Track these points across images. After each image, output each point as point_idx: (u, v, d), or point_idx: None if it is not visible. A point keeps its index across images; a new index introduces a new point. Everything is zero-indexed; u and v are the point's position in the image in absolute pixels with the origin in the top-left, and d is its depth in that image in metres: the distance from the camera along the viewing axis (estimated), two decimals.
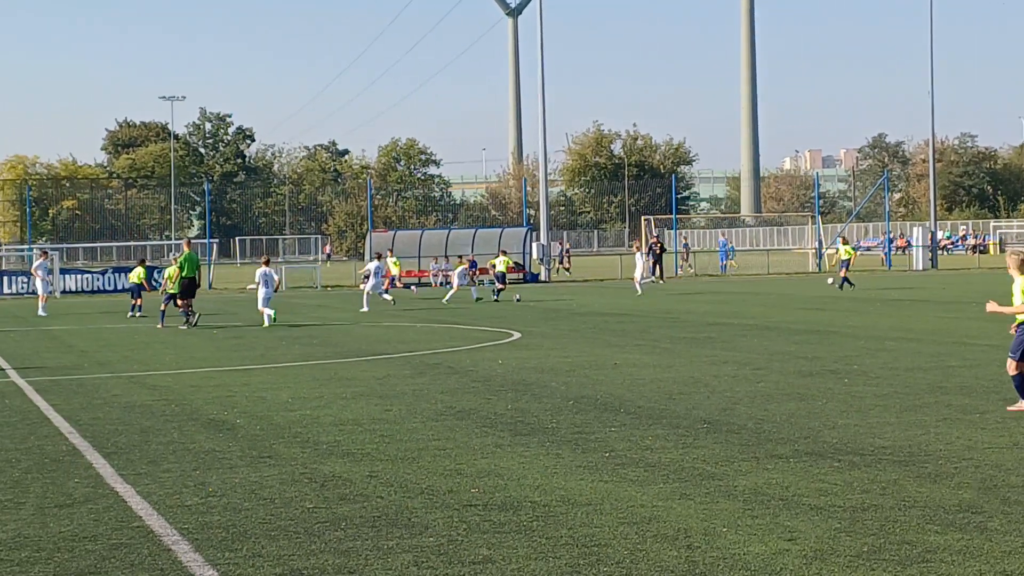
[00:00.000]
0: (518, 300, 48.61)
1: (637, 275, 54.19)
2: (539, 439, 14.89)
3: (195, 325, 36.03)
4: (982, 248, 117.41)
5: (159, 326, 36.39)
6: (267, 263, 38.29)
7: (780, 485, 11.81)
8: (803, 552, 9.36)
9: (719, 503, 11.12)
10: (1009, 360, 16.19)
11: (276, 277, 38.11)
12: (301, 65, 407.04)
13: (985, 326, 30.82)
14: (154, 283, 56.09)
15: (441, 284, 67.02)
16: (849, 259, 54.33)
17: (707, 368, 22.40)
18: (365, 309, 44.11)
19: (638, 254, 56.38)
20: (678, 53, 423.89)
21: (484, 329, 33.88)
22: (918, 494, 11.28)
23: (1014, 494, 11.17)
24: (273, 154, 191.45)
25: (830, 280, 57.81)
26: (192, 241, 41.78)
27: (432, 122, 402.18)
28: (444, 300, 48.95)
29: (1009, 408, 16.19)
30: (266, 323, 36.01)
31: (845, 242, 57.14)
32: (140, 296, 43.93)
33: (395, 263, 54.93)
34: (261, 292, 36.82)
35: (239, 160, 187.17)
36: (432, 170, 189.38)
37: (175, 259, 40.18)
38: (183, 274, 37.14)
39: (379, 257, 48.96)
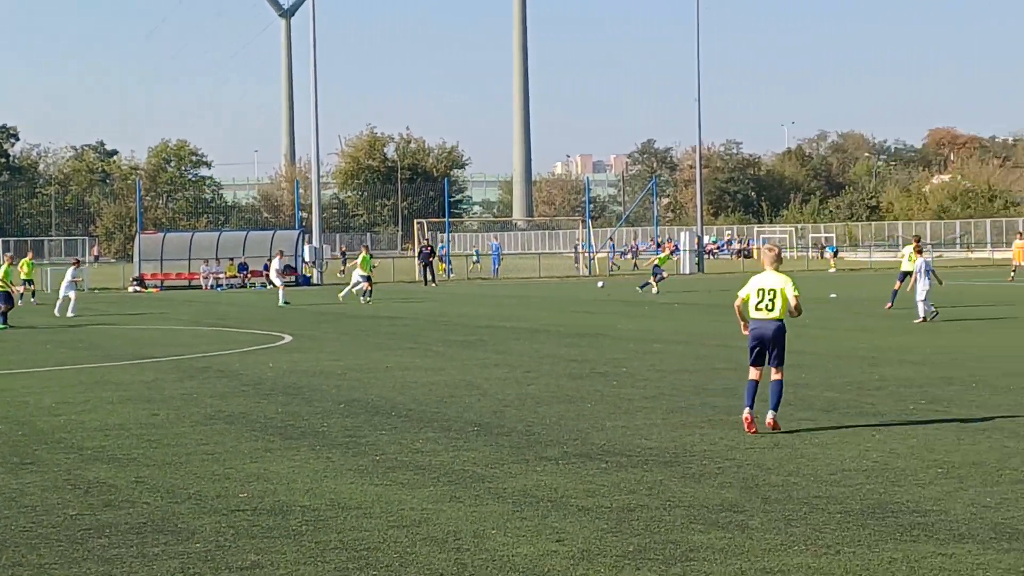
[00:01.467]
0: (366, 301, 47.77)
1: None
2: (309, 443, 14.79)
3: None
4: (747, 252, 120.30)
5: None
6: (77, 264, 43.63)
7: (549, 487, 11.92)
8: (570, 553, 9.47)
9: (488, 505, 11.18)
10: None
11: (81, 277, 41.93)
12: (69, 63, 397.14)
13: None
14: None
15: (212, 287, 66.13)
16: (660, 265, 55.21)
17: (478, 371, 22.51)
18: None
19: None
20: (452, 57, 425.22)
21: (255, 332, 33.52)
22: (683, 494, 11.50)
23: (774, 493, 11.47)
24: (39, 154, 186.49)
25: (599, 284, 58.70)
26: None
27: (204, 123, 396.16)
28: (281, 303, 48.06)
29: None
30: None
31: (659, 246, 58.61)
32: None
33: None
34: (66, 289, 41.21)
35: (2, 160, 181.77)
36: (203, 172, 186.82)
37: None
38: None
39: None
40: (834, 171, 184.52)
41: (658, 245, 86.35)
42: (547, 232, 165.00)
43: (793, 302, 15.12)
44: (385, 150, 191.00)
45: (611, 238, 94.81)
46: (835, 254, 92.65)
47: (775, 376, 15.21)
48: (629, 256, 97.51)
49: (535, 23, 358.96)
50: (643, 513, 10.74)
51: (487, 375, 21.82)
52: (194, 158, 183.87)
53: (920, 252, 34.79)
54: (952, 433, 14.68)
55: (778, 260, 15.55)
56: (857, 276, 72.96)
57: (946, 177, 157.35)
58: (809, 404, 17.34)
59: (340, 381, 21.21)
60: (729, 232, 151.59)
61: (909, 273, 37.02)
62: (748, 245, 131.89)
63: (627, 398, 18.35)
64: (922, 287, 32.79)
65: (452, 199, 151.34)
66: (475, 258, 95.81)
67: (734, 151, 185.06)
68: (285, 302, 47.19)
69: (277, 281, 50.47)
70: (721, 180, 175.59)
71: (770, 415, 15.07)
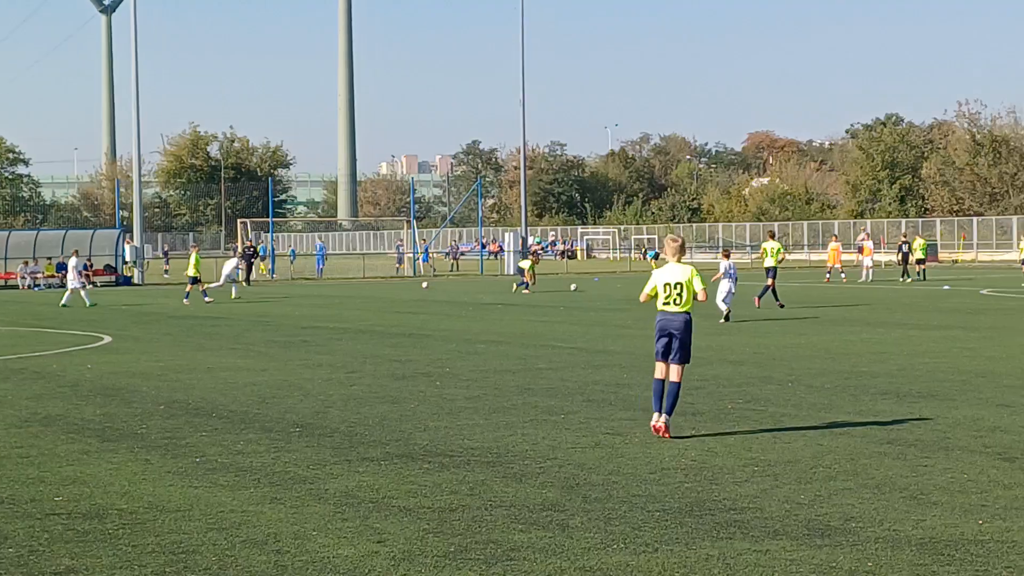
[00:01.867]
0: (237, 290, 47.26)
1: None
2: (128, 445, 14.56)
3: None
4: (571, 253, 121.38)
5: None
6: None
7: (371, 488, 11.89)
8: (392, 554, 9.46)
9: (310, 506, 11.12)
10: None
11: None
12: None
13: (572, 329, 31.90)
14: None
15: (30, 287, 64.69)
16: (525, 270, 55.37)
17: (301, 371, 22.37)
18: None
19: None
20: (276, 56, 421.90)
21: (73, 333, 32.89)
22: (504, 494, 11.56)
23: (594, 492, 11.58)
24: None
25: (424, 285, 58.71)
26: None
27: (21, 120, 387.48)
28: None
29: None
30: None
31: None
32: None
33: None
34: None
35: None
36: (21, 169, 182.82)
37: None
38: None
39: None
40: (657, 173, 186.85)
41: (525, 244, 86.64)
42: (372, 232, 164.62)
43: (701, 296, 14.96)
44: (208, 149, 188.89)
45: (421, 239, 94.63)
46: (656, 258, 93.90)
47: (674, 378, 14.74)
48: (450, 256, 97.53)
49: (360, 23, 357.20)
50: (465, 513, 10.77)
51: (310, 376, 21.69)
52: (11, 155, 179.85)
53: (728, 256, 35.56)
54: (768, 431, 14.97)
55: (681, 251, 15.14)
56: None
57: (765, 180, 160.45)
58: (630, 404, 17.52)
59: (160, 382, 20.91)
60: (553, 233, 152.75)
61: (772, 269, 38.13)
62: (572, 246, 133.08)
63: (450, 398, 18.38)
64: (725, 288, 33.60)
65: (276, 199, 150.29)
66: (291, 258, 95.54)
67: (558, 153, 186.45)
68: (91, 303, 46.13)
69: (73, 283, 48.79)
70: (545, 181, 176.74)
71: (662, 419, 14.61)
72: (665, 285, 14.88)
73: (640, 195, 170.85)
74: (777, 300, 38.17)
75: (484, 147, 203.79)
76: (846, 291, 52.70)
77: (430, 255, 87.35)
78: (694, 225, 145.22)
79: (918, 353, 24.46)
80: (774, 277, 38.98)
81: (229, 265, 53.69)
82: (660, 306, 14.93)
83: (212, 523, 10.52)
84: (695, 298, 14.90)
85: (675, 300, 14.79)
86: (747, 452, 13.59)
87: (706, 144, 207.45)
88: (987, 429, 14.97)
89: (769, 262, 39.38)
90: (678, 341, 14.75)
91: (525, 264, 56.32)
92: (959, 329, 30.56)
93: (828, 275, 62.32)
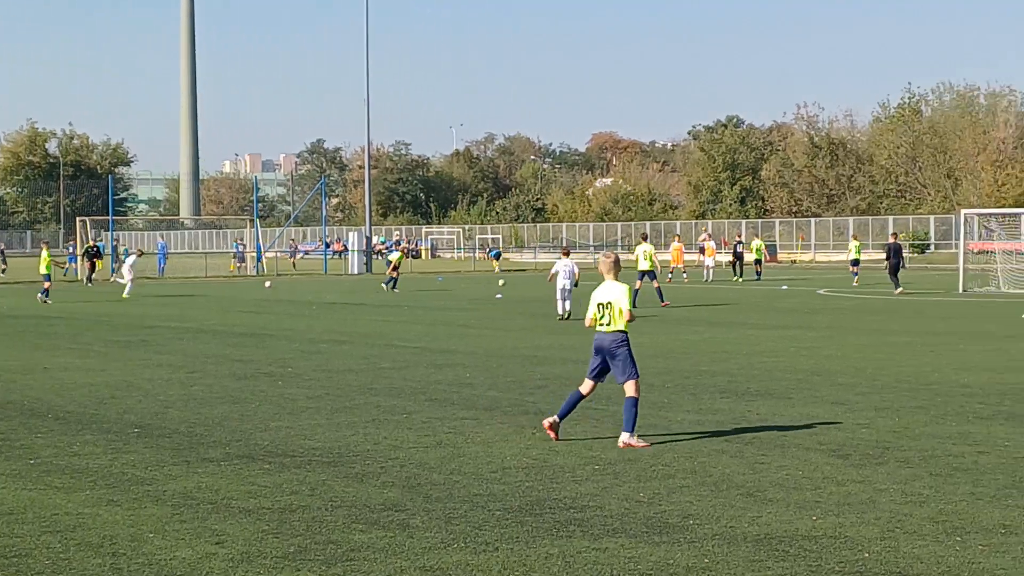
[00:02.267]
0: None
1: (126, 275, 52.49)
2: None
3: None
4: (415, 253, 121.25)
5: None
6: None
7: (210, 488, 11.77)
8: (230, 555, 9.36)
9: (147, 508, 10.96)
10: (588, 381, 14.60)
11: None
12: None
13: (415, 328, 31.88)
14: None
15: None
16: (396, 265, 55.28)
17: (141, 372, 22.05)
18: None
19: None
20: (116, 52, 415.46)
21: None
22: (345, 494, 11.51)
23: (436, 491, 11.58)
24: None
25: (267, 284, 58.32)
26: None
27: None
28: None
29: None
30: None
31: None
32: None
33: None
34: None
35: None
36: None
37: None
38: None
39: None
40: (501, 173, 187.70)
41: (396, 243, 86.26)
42: (215, 231, 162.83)
43: (626, 316, 14.19)
44: (47, 146, 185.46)
45: (243, 239, 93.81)
46: (497, 257, 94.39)
47: (628, 393, 14.07)
48: (290, 256, 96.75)
49: (204, 19, 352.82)
50: (305, 514, 10.70)
51: (149, 376, 21.39)
52: None
53: (568, 254, 35.99)
54: (610, 430, 15.09)
55: (616, 267, 14.61)
56: (522, 277, 74.26)
57: (608, 180, 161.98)
58: (472, 403, 17.57)
59: None
60: (398, 232, 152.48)
61: (648, 272, 38.75)
62: (417, 246, 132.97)
63: (292, 398, 18.26)
64: (562, 284, 34.09)
65: (117, 197, 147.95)
66: (123, 256, 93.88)
67: (403, 152, 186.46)
68: None
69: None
70: (390, 181, 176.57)
71: (623, 436, 13.98)
72: (598, 305, 14.39)
73: (485, 195, 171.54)
74: (634, 303, 38.87)
75: (329, 146, 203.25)
76: (688, 291, 53.40)
77: (263, 254, 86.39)
78: (538, 225, 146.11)
79: (757, 352, 24.86)
80: (652, 279, 39.73)
81: (129, 262, 52.73)
82: (597, 326, 14.40)
83: (46, 526, 10.32)
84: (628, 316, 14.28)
85: (607, 321, 14.26)
86: (588, 451, 13.69)
87: (550, 144, 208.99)
88: (822, 427, 15.26)
89: (644, 264, 40.26)
90: (612, 359, 14.24)
91: (395, 256, 56.55)
92: (797, 329, 31.12)
93: (670, 275, 63.10)
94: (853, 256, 60.90)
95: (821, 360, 23.30)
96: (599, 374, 14.47)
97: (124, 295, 49.86)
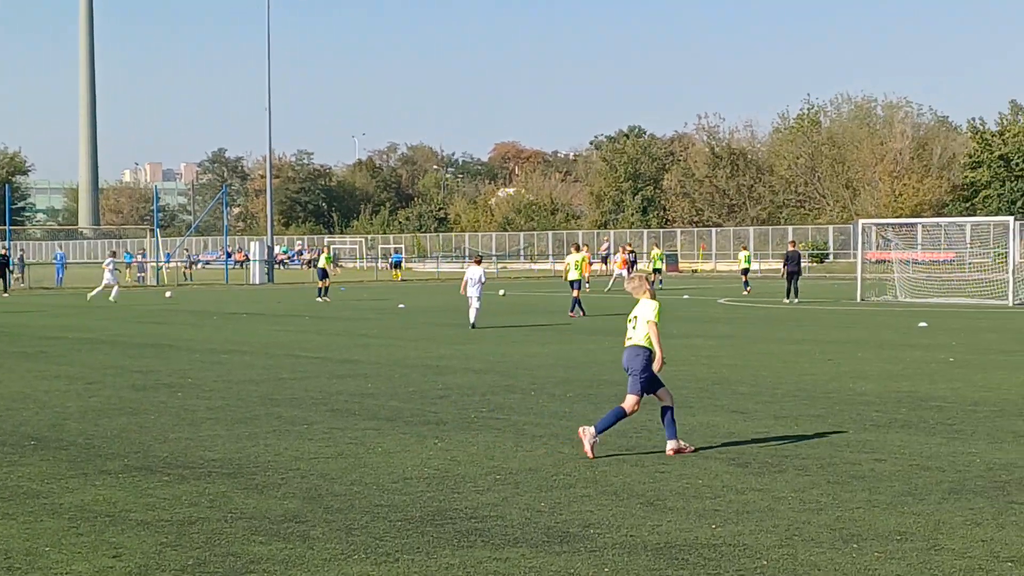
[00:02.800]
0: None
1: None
2: None
3: None
4: (316, 263, 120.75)
5: None
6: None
7: (108, 501, 11.63)
8: (128, 569, 9.26)
9: (43, 522, 10.81)
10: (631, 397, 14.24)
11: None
12: None
13: (316, 339, 31.74)
14: None
15: None
16: (325, 269, 55.35)
17: (38, 383, 21.76)
18: None
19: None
20: (13, 59, 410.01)
21: None
22: (245, 505, 11.43)
23: (336, 502, 11.53)
24: None
25: (168, 294, 57.86)
26: None
27: None
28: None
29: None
30: None
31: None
32: None
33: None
34: None
35: None
36: None
37: None
38: None
39: None
40: (404, 183, 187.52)
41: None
42: (115, 241, 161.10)
43: (650, 329, 14.02)
44: None
45: (110, 252, 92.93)
46: (398, 265, 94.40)
47: (662, 403, 14.30)
48: (186, 266, 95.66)
49: (103, 27, 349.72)
50: (204, 526, 10.61)
51: (47, 387, 21.11)
52: None
53: (479, 263, 36.08)
54: (511, 440, 15.12)
55: (645, 283, 14.49)
56: (425, 287, 74.21)
57: (511, 190, 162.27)
58: (374, 414, 17.51)
59: None
60: (300, 242, 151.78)
61: (578, 281, 39.44)
62: (319, 255, 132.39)
63: (192, 409, 18.10)
64: (471, 293, 34.19)
65: (14, 206, 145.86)
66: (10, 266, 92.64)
67: (305, 161, 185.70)
68: None
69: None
70: (292, 190, 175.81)
71: (669, 445, 14.14)
72: (628, 319, 14.39)
73: (387, 204, 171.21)
74: (580, 309, 40.38)
75: (230, 155, 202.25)
76: (590, 301, 53.58)
77: (163, 264, 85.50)
78: (440, 235, 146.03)
79: None
80: (579, 288, 40.95)
81: (108, 270, 54.99)
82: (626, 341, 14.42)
83: None
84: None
85: (632, 334, 14.23)
86: (489, 460, 13.70)
87: (453, 154, 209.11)
88: (722, 435, 15.38)
89: (573, 274, 41.29)
90: (626, 371, 14.28)
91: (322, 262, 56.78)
92: (697, 337, 31.34)
93: (586, 285, 63.35)
94: (743, 266, 62.17)
95: (721, 369, 23.49)
96: (650, 388, 14.29)
97: (111, 298, 53.04)
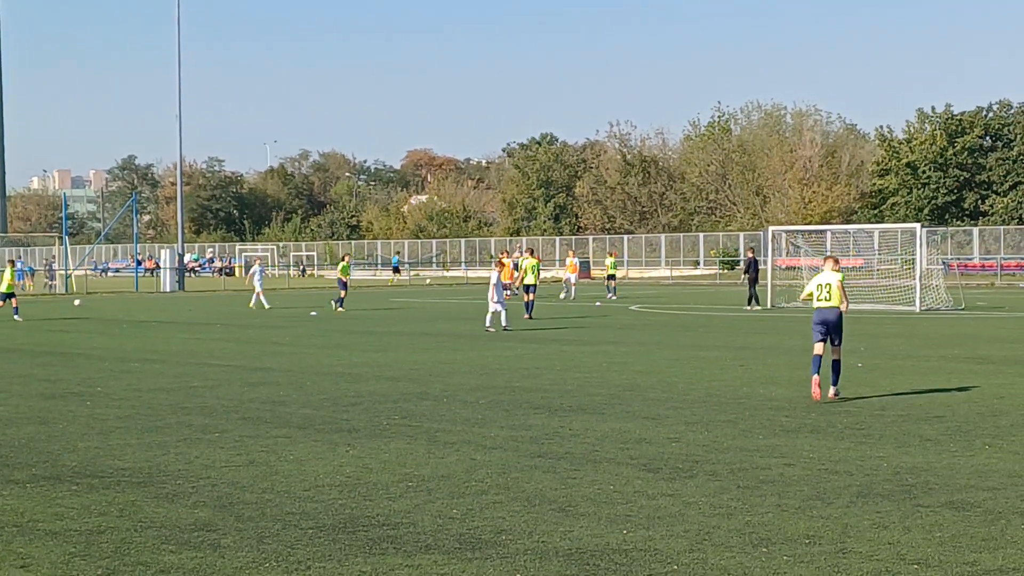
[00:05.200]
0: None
1: None
2: None
3: None
4: (228, 271, 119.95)
5: None
6: None
7: (15, 511, 11.50)
8: None
9: None
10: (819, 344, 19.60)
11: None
12: None
13: (227, 347, 31.54)
14: None
15: None
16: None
17: None
18: None
19: None
20: None
21: None
22: (155, 514, 11.34)
23: (248, 510, 11.47)
24: None
25: (76, 302, 57.25)
26: None
27: None
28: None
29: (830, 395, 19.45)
30: None
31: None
32: None
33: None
34: None
35: None
36: None
37: None
38: None
39: None
40: (316, 190, 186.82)
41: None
42: (22, 249, 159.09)
43: (841, 290, 19.65)
44: None
45: (11, 259, 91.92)
46: (303, 272, 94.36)
47: (834, 356, 19.57)
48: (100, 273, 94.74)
49: (9, 29, 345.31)
50: (114, 535, 10.52)
51: None
52: None
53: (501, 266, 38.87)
54: (423, 447, 15.11)
55: (836, 263, 20.27)
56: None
57: (423, 198, 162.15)
58: (286, 421, 17.44)
59: None
60: (211, 250, 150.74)
61: (531, 286, 42.69)
62: (230, 263, 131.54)
63: (101, 418, 17.93)
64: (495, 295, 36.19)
65: None
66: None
67: (217, 168, 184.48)
68: None
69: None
70: (204, 198, 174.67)
71: (832, 390, 19.42)
72: (818, 286, 19.80)
73: (299, 212, 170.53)
74: (529, 313, 42.05)
75: (140, 162, 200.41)
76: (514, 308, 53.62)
77: (25, 275, 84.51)
78: (353, 242, 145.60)
79: (570, 368, 25.10)
80: (534, 292, 42.72)
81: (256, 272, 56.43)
82: (815, 303, 19.80)
83: None
84: (842, 297, 19.69)
85: (825, 297, 19.65)
86: (402, 467, 13.69)
87: (365, 161, 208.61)
88: (633, 441, 15.46)
89: (529, 279, 43.56)
90: (833, 331, 19.65)
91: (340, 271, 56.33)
92: (609, 344, 31.48)
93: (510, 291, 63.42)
94: (609, 272, 64.22)
95: (633, 375, 23.61)
96: (825, 339, 19.69)
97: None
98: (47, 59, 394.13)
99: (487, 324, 36.28)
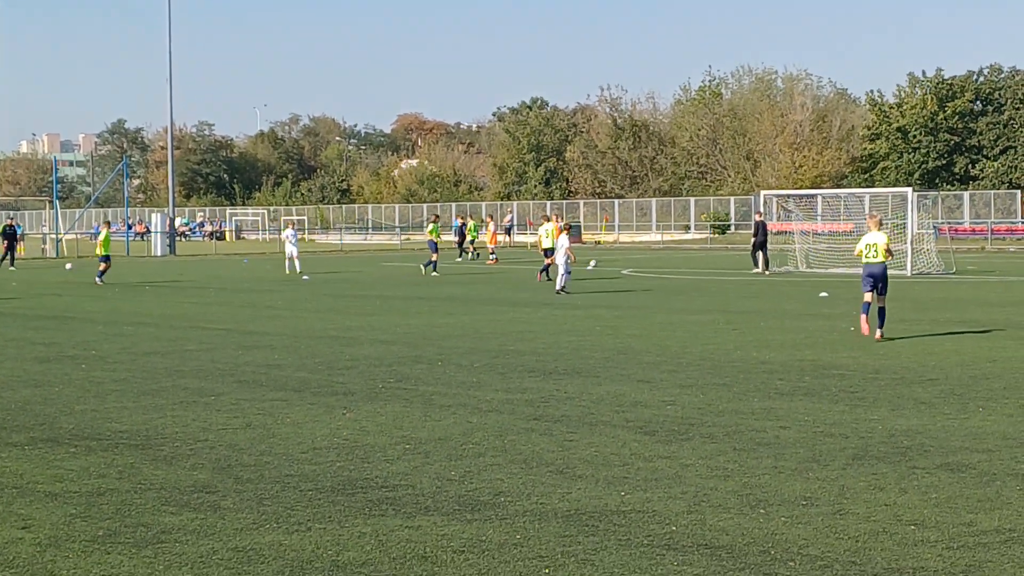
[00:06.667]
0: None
1: None
2: None
3: None
4: (219, 235, 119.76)
5: None
6: None
7: (14, 473, 11.55)
8: (37, 540, 9.21)
9: None
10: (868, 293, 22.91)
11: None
12: None
13: (221, 310, 31.55)
14: None
15: None
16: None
17: None
18: None
19: None
20: None
21: None
22: (154, 476, 11.38)
23: (247, 473, 11.52)
24: None
25: (68, 266, 57.19)
26: None
27: None
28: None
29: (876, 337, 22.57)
30: None
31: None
32: None
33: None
34: None
35: None
36: None
37: None
38: None
39: None
40: (306, 154, 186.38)
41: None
42: (12, 213, 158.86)
43: (885, 250, 23.05)
44: None
45: (40, 222, 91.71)
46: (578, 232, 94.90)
47: (880, 304, 23.00)
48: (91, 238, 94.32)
49: None
50: (114, 497, 10.57)
51: None
52: None
53: (569, 229, 38.96)
54: (419, 410, 15.16)
55: (879, 224, 23.53)
56: (329, 258, 73.95)
57: (414, 162, 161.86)
58: (282, 385, 17.49)
59: None
60: (202, 214, 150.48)
61: (551, 249, 42.23)
62: (221, 227, 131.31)
63: (97, 381, 17.97)
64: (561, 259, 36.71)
65: None
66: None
67: (206, 133, 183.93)
68: None
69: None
70: (194, 162, 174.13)
71: (879, 332, 22.76)
72: (867, 245, 23.21)
73: (290, 176, 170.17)
74: (546, 275, 42.40)
75: (130, 126, 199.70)
76: (495, 271, 53.69)
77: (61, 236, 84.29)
78: (344, 206, 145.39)
79: (563, 331, 25.15)
80: (552, 255, 41.97)
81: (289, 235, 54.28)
82: (864, 259, 23.17)
83: None
84: (888, 252, 23.19)
85: (873, 254, 23.07)
86: (399, 430, 13.74)
87: (355, 125, 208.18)
88: (629, 404, 15.52)
89: (547, 243, 44.39)
90: (880, 284, 22.96)
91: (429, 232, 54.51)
92: (602, 308, 31.52)
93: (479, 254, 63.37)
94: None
95: (626, 339, 23.66)
96: (873, 289, 22.97)
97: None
98: (36, 22, 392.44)
99: (560, 285, 36.50)
